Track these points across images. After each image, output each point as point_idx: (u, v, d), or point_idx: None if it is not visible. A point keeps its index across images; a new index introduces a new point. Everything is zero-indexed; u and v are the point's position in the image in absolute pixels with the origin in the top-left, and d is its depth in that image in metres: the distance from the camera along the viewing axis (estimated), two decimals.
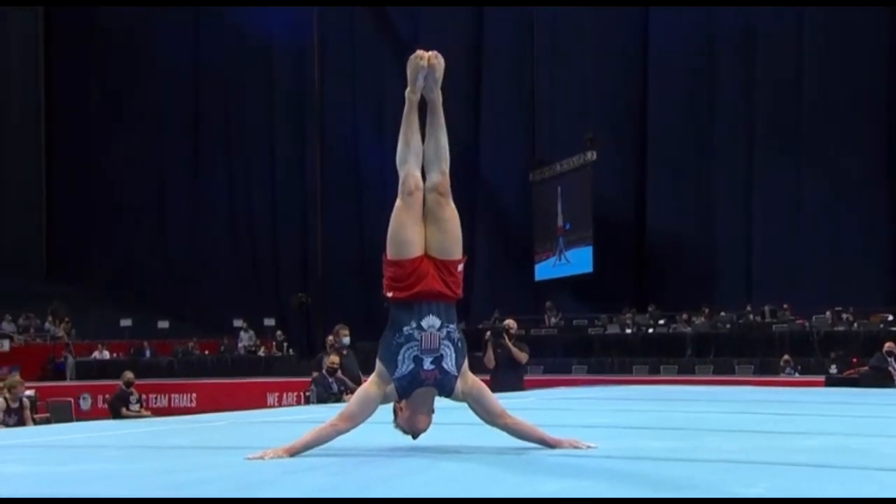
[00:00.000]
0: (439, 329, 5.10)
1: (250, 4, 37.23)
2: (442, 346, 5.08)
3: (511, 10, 35.55)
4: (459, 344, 5.18)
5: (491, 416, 5.24)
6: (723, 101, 33.25)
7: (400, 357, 5.02)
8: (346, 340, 14.02)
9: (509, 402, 9.36)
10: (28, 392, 17.11)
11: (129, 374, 14.58)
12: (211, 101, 40.38)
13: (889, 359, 17.09)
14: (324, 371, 13.12)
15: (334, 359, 13.10)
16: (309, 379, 15.52)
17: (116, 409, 14.08)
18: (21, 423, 13.09)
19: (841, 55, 30.86)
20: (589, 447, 5.03)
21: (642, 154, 34.27)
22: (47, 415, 15.42)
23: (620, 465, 4.50)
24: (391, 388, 5.05)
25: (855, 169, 30.68)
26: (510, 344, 11.99)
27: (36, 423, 13.95)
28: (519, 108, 36.43)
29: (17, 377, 15.18)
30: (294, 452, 4.88)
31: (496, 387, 11.99)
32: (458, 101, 36.95)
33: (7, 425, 12.85)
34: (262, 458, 4.76)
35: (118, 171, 41.05)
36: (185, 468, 4.56)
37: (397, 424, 5.20)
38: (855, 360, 18.24)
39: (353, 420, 5.04)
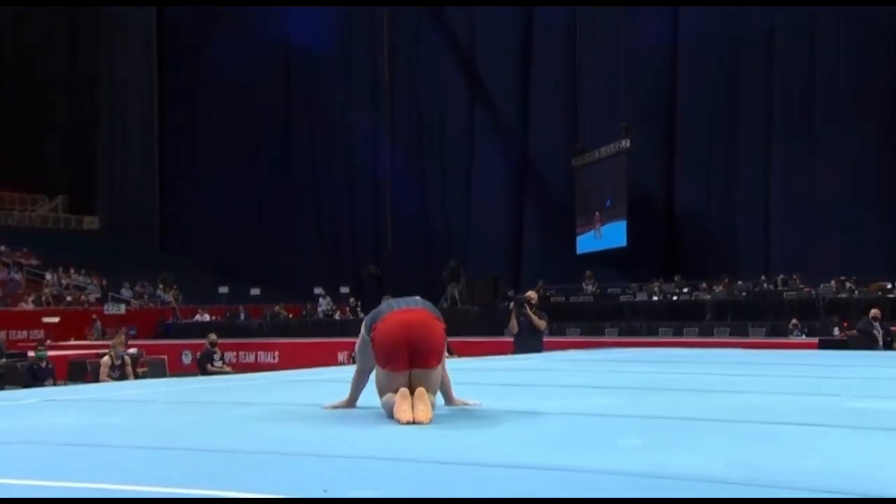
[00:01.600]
0: None
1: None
2: None
3: (556, 12, 35.58)
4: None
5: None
6: (745, 93, 33.16)
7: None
8: None
9: (524, 363, 9.68)
10: (132, 350, 17.76)
11: (213, 336, 15.03)
12: (298, 98, 41.02)
13: (874, 323, 17.08)
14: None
15: None
16: None
17: (203, 365, 14.57)
18: (123, 377, 13.45)
19: (849, 51, 30.63)
20: (476, 404, 5.08)
21: (671, 142, 34.21)
22: (146, 369, 15.88)
23: (527, 420, 4.70)
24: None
25: (861, 155, 30.44)
26: (531, 313, 12.28)
27: (137, 376, 14.31)
28: (563, 102, 36.48)
29: (121, 338, 15.64)
30: (352, 401, 5.09)
31: (519, 349, 12.34)
32: (510, 95, 37.22)
33: (112, 378, 13.27)
34: (333, 407, 5.05)
35: (220, 159, 41.97)
36: (202, 422, 4.94)
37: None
38: (846, 324, 18.17)
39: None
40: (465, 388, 5.40)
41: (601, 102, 35.14)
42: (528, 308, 12.28)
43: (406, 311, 4.78)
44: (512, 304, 12.68)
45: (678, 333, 25.26)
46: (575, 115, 36.27)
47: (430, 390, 4.70)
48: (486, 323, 27.90)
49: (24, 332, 31.97)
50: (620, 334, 25.80)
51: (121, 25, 45.76)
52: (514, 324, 12.31)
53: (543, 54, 36.53)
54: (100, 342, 27.09)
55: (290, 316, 32.72)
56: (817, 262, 29.14)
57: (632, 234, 32.48)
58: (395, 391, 4.61)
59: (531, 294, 12.91)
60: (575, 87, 36.04)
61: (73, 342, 28.06)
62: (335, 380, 6.79)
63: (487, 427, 4.44)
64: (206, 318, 33.34)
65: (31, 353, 13.82)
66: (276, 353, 24.17)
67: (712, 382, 7.09)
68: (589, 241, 34.82)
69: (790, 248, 31.06)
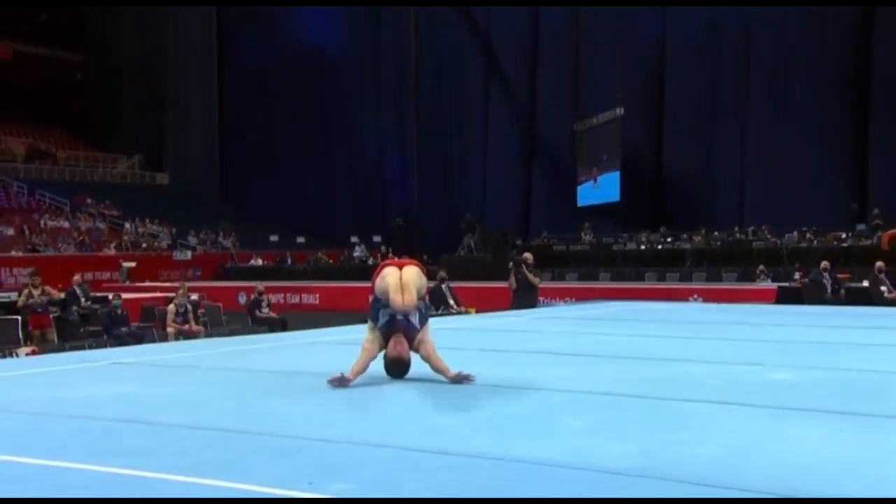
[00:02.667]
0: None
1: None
2: (410, 314, 5.56)
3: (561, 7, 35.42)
4: (423, 311, 5.71)
5: (426, 355, 5.71)
6: (726, 67, 32.72)
7: (380, 314, 5.59)
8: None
9: (513, 321, 9.87)
10: (194, 296, 17.97)
11: (260, 286, 15.20)
12: (332, 75, 40.99)
13: (825, 273, 17.06)
14: None
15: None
16: None
17: (252, 311, 14.78)
18: (186, 322, 13.67)
19: (819, 31, 30.23)
20: (469, 377, 5.52)
21: (660, 110, 33.99)
22: (203, 311, 15.99)
23: (491, 400, 4.86)
24: (377, 333, 5.62)
25: (826, 120, 30.10)
26: (527, 271, 12.42)
27: (198, 321, 14.38)
28: (567, 76, 36.16)
29: (184, 286, 15.80)
30: (355, 376, 5.56)
31: (517, 304, 12.51)
32: (521, 70, 36.98)
33: (176, 323, 13.51)
34: (338, 380, 5.48)
35: (273, 124, 42.10)
36: (223, 395, 5.17)
37: (385, 356, 5.77)
38: (803, 272, 18.15)
39: (370, 353, 5.72)
40: (454, 353, 5.67)
41: (599, 76, 34.80)
42: (524, 267, 12.41)
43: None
44: (511, 263, 12.79)
45: (661, 278, 25.29)
46: (577, 88, 35.99)
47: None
48: (498, 268, 28.06)
49: (108, 274, 32.54)
50: (612, 279, 25.88)
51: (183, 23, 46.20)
52: (512, 281, 12.47)
53: (549, 36, 36.26)
54: (147, 285, 27.52)
55: (331, 261, 32.98)
56: (784, 216, 28.99)
57: (625, 188, 32.42)
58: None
59: (527, 255, 13.01)
60: (577, 63, 35.75)
61: (146, 284, 28.46)
62: (346, 342, 7.02)
63: (452, 412, 4.61)
64: (259, 262, 33.67)
65: (109, 296, 14.08)
66: (317, 295, 24.40)
67: (657, 348, 7.21)
68: (588, 193, 34.78)
69: (761, 203, 30.93)
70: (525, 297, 12.39)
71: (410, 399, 4.86)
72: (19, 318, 12.68)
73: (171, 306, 13.82)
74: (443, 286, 13.22)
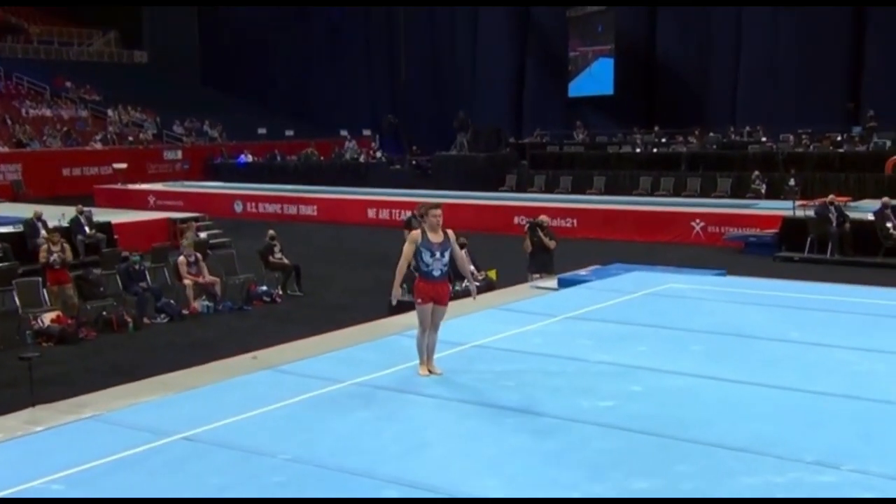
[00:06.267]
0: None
1: None
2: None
3: None
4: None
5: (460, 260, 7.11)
6: None
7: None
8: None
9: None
10: (202, 234, 17.74)
11: (271, 232, 14.91)
12: None
13: (830, 207, 17.01)
14: (411, 268, 12.53)
15: None
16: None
17: (265, 256, 14.59)
18: (199, 273, 13.46)
19: None
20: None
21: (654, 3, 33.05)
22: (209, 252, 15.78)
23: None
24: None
25: (822, 15, 29.42)
26: (543, 235, 12.27)
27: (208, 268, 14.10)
28: None
29: (189, 237, 15.47)
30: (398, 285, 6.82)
31: (532, 266, 12.40)
32: None
33: (191, 274, 13.29)
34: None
35: (255, 7, 40.44)
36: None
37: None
38: (801, 203, 18.11)
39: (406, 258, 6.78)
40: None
41: None
42: (540, 231, 12.26)
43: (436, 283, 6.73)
44: (527, 226, 12.61)
45: (656, 183, 25.25)
46: None
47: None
48: (491, 166, 27.92)
49: (95, 169, 32.01)
50: (607, 182, 25.79)
51: None
52: (527, 244, 12.30)
53: None
54: (142, 189, 27.09)
55: (322, 157, 32.48)
56: (778, 115, 28.81)
57: (618, 81, 31.90)
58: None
59: (544, 217, 12.80)
60: None
61: (139, 188, 27.96)
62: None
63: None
64: (250, 158, 33.14)
65: (124, 254, 13.83)
66: (315, 207, 24.11)
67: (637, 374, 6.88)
68: (581, 84, 34.25)
69: (754, 101, 30.60)
70: (541, 261, 12.28)
71: None
72: (39, 279, 12.50)
73: (182, 258, 13.50)
74: (462, 252, 13.04)
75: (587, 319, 8.87)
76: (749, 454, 5.23)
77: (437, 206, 6.87)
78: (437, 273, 6.77)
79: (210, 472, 5.11)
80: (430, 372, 6.82)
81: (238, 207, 25.44)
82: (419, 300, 6.79)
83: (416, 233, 6.82)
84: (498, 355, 7.32)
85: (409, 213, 16.66)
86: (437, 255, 6.75)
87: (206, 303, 13.10)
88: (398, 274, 6.91)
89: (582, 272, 11.65)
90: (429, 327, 6.85)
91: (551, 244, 12.31)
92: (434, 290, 6.77)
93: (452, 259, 6.92)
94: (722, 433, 5.59)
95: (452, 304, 9.19)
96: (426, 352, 6.84)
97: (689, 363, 7.19)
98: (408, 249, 6.77)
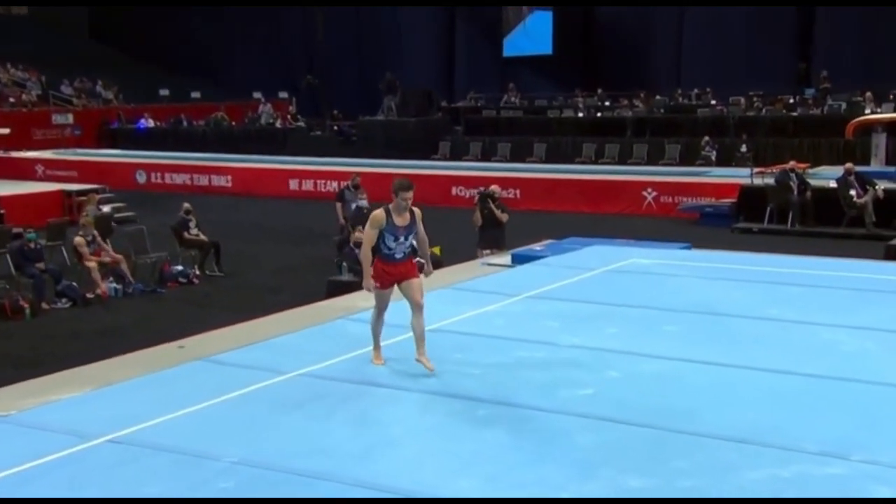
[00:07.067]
0: None
1: None
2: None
3: None
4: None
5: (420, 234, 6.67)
6: None
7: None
8: (364, 203, 13.79)
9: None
10: (105, 208, 17.16)
11: (186, 205, 14.43)
12: None
13: (791, 174, 17.30)
14: (352, 244, 12.26)
15: (359, 234, 12.26)
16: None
17: (179, 232, 14.14)
18: (101, 249, 12.94)
19: None
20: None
21: None
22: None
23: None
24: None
25: None
26: (494, 207, 12.16)
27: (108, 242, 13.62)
28: None
29: (93, 202, 15.00)
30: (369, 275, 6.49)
31: (482, 242, 12.29)
32: None
33: (92, 252, 12.77)
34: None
35: None
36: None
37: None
38: (759, 170, 18.37)
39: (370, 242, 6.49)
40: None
41: None
42: (491, 202, 12.14)
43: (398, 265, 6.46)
44: (477, 197, 12.47)
45: (600, 150, 25.36)
46: None
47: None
48: (422, 132, 27.66)
49: None
50: (548, 149, 25.78)
51: None
52: (477, 216, 12.18)
53: None
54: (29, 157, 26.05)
55: (233, 122, 31.69)
56: (726, 77, 29.07)
57: (557, 41, 31.88)
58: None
59: (495, 187, 12.68)
60: None
61: (25, 156, 26.92)
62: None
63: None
64: (151, 123, 32.18)
65: (17, 230, 13.25)
66: (229, 177, 23.53)
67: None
68: (516, 42, 34.11)
69: (700, 62, 30.77)
70: (492, 235, 12.16)
71: None
72: None
73: (79, 238, 12.87)
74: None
75: (549, 299, 8.77)
76: (748, 445, 5.19)
77: (409, 186, 6.47)
78: (398, 256, 6.54)
79: (145, 480, 4.86)
80: (420, 362, 6.50)
81: (141, 178, 24.74)
82: (378, 284, 6.54)
83: (380, 214, 6.47)
84: (457, 340, 7.16)
85: (341, 185, 16.40)
86: (402, 239, 6.50)
87: (115, 285, 12.63)
88: (364, 261, 6.61)
89: (536, 247, 11.56)
90: (384, 311, 6.67)
91: (504, 217, 12.22)
92: (397, 270, 6.53)
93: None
94: (715, 423, 5.55)
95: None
96: (415, 339, 6.51)
97: (665, 345, 7.15)
98: (370, 234, 6.49)
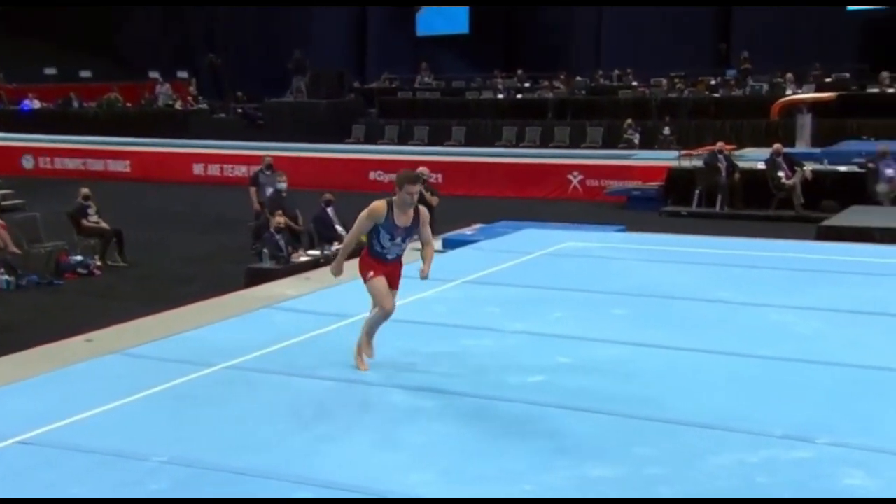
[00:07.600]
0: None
1: None
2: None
3: None
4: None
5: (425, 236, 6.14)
6: None
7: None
8: (283, 185, 13.50)
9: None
10: None
11: (85, 190, 13.94)
12: None
13: (719, 155, 17.59)
14: (272, 230, 11.99)
15: (280, 219, 12.04)
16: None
17: (77, 220, 13.66)
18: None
19: None
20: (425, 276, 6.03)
21: None
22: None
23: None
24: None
25: None
26: (424, 190, 11.98)
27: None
28: None
29: None
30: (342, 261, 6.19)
31: None
32: None
33: None
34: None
35: None
36: None
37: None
38: (686, 152, 18.66)
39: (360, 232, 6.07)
40: None
41: None
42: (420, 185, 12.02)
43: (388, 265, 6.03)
44: None
45: (521, 134, 25.43)
46: None
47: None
48: (334, 115, 27.35)
49: None
50: (468, 132, 25.74)
51: None
52: None
53: None
54: None
55: (128, 104, 30.78)
56: (646, 58, 29.46)
57: (473, 20, 31.85)
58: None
59: (424, 169, 12.56)
60: None
61: None
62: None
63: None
64: (37, 104, 31.05)
65: None
66: (128, 162, 22.87)
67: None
68: (431, 21, 33.95)
69: (619, 43, 31.19)
70: None
71: None
72: None
73: None
74: (328, 210, 12.64)
75: (487, 284, 8.69)
76: (713, 431, 5.18)
77: (415, 179, 5.99)
78: (390, 256, 6.06)
79: (66, 482, 4.59)
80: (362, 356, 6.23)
81: (28, 163, 23.94)
82: (371, 272, 6.03)
83: (381, 206, 5.89)
84: (396, 328, 6.99)
85: (251, 169, 16.08)
86: (398, 240, 6.00)
87: (6, 277, 12.12)
88: (344, 249, 6.24)
89: (467, 231, 11.49)
90: (384, 303, 6.08)
91: (434, 200, 12.16)
92: (385, 271, 6.07)
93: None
94: (676, 408, 5.52)
95: (323, 272, 8.91)
96: (364, 334, 6.16)
97: (616, 329, 7.13)
98: (363, 224, 5.97)
